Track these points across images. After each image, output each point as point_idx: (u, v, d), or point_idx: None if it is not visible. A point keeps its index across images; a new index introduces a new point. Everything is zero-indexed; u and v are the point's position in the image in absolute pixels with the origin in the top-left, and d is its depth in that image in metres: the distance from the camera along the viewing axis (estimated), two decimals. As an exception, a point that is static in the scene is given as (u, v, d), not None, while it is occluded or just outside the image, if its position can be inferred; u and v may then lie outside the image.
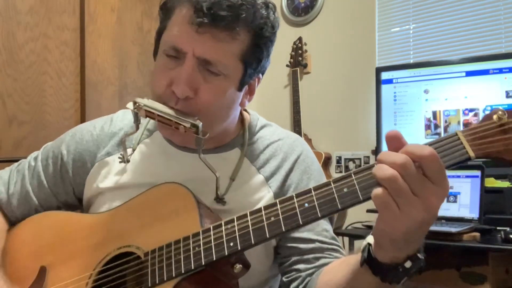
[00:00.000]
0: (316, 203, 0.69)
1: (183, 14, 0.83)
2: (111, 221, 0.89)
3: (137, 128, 0.88)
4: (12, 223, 1.01)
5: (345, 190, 0.67)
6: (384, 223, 0.64)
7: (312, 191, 0.70)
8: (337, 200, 0.67)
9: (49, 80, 2.12)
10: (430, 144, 0.66)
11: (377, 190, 0.62)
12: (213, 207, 0.89)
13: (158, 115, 0.83)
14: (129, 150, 0.97)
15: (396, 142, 0.64)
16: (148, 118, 0.96)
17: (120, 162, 0.96)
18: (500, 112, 0.64)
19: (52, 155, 1.02)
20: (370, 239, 0.70)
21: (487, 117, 0.66)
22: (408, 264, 0.67)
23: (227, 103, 0.88)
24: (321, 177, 1.01)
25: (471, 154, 0.64)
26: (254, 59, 0.87)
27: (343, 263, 0.82)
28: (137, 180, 0.95)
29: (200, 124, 0.82)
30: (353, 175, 0.67)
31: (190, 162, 0.94)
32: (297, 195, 0.71)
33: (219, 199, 0.90)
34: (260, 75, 0.94)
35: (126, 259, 0.84)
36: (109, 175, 0.97)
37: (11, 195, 1.01)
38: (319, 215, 0.68)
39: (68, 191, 1.02)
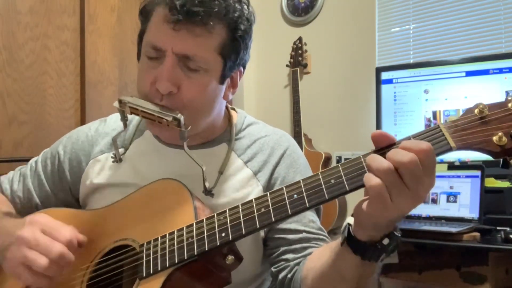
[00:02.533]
0: (304, 194, 0.72)
1: (159, 14, 0.87)
2: (108, 217, 0.92)
3: (125, 125, 0.92)
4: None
5: (332, 181, 0.70)
6: (373, 210, 0.66)
7: (301, 182, 0.73)
8: (325, 191, 0.70)
9: (49, 80, 2.12)
10: (414, 136, 0.69)
11: (374, 181, 0.64)
12: (203, 201, 0.92)
13: (142, 111, 0.87)
14: (121, 150, 1.01)
15: (385, 140, 0.69)
16: (139, 119, 1.03)
17: (113, 161, 1.00)
18: (481, 106, 0.67)
19: (50, 155, 1.08)
20: (350, 219, 0.73)
21: (469, 111, 0.69)
22: (385, 241, 0.70)
23: (210, 97, 0.92)
24: (307, 171, 1.04)
25: (453, 144, 0.67)
26: (232, 52, 0.91)
27: (325, 248, 0.86)
28: (129, 177, 0.99)
29: (181, 117, 0.85)
30: (340, 167, 0.71)
31: (179, 158, 0.97)
32: (287, 187, 0.74)
33: (208, 192, 0.92)
34: (242, 68, 0.98)
35: (122, 251, 0.86)
36: (102, 172, 1.01)
37: (14, 192, 1.06)
38: (307, 205, 0.71)
39: (65, 190, 1.06)
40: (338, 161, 2.69)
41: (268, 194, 0.75)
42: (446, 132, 0.67)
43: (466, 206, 1.72)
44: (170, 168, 0.97)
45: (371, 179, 0.65)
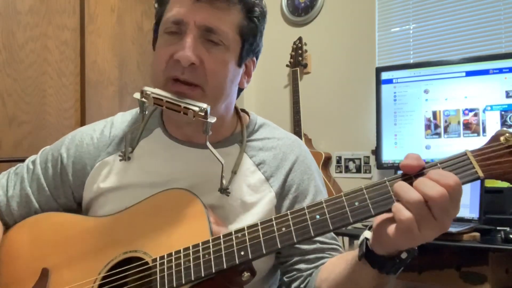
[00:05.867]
0: (328, 215, 0.71)
1: None
2: (116, 225, 0.88)
3: (143, 118, 0.91)
4: (10, 226, 0.99)
5: (356, 203, 0.70)
6: (400, 240, 0.67)
7: (324, 203, 0.72)
8: (349, 213, 0.70)
9: (49, 80, 2.12)
10: (441, 163, 0.68)
11: (406, 215, 0.64)
12: (218, 200, 0.90)
13: (167, 101, 0.83)
14: (128, 150, 0.97)
15: (416, 169, 0.68)
16: (147, 118, 1.00)
17: (120, 160, 0.96)
18: (507, 134, 0.67)
19: (52, 158, 1.01)
20: (367, 234, 0.73)
21: (494, 139, 0.68)
22: (404, 255, 0.70)
23: (229, 76, 0.91)
24: (320, 177, 1.03)
25: (481, 174, 0.67)
26: (250, 34, 0.92)
27: (340, 259, 0.85)
28: (137, 178, 0.95)
29: (208, 107, 0.82)
30: (364, 190, 0.70)
31: (194, 157, 0.94)
32: (308, 207, 0.73)
33: (223, 190, 0.90)
34: (255, 58, 0.99)
35: (132, 264, 0.82)
36: (110, 175, 0.96)
37: (10, 197, 0.99)
38: (331, 228, 0.71)
39: (67, 195, 1.01)
40: (338, 161, 2.69)
41: (289, 214, 0.74)
42: (473, 160, 0.67)
43: (466, 206, 1.72)
44: (182, 167, 0.94)
45: (402, 212, 0.64)
